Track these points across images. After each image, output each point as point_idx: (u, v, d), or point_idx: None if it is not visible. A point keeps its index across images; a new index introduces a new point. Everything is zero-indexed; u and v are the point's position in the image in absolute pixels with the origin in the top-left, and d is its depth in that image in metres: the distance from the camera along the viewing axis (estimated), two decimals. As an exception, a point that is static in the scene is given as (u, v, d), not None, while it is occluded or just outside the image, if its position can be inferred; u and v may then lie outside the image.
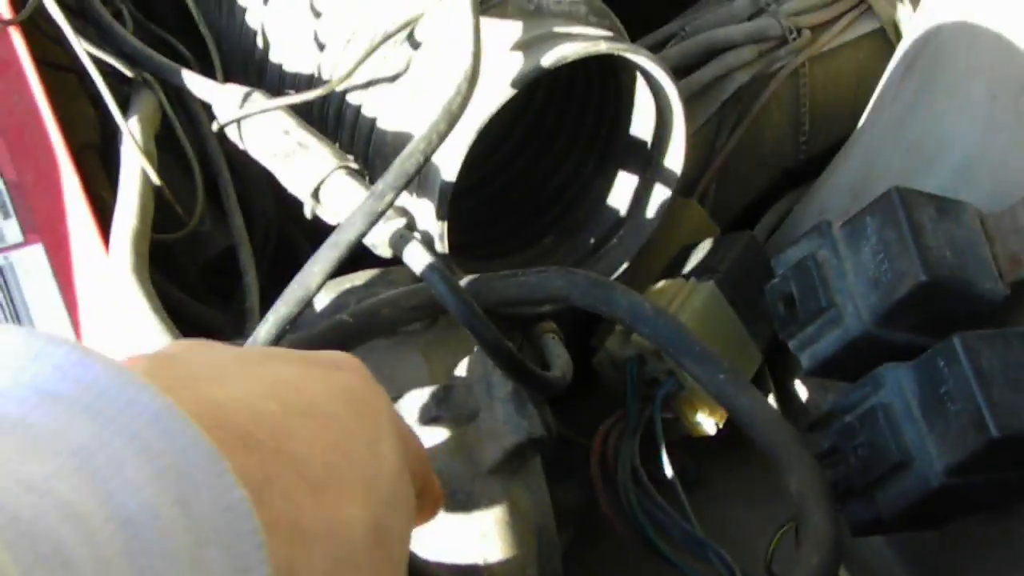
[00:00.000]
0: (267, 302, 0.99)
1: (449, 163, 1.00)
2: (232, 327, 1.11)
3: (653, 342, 0.96)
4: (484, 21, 1.02)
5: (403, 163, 0.90)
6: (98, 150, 1.13)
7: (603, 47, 1.02)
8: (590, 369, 1.22)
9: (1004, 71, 0.99)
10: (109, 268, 0.91)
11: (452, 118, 0.93)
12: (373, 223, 0.89)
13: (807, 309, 0.95)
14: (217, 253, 1.15)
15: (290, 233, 1.26)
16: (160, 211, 1.01)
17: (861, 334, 0.93)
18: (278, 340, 0.87)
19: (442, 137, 0.92)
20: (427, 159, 0.92)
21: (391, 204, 0.89)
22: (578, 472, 1.20)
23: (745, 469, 1.22)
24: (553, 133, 1.22)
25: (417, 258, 0.91)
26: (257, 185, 1.20)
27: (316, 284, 0.88)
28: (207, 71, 1.14)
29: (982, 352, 0.87)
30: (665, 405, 1.16)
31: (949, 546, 1.03)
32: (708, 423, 1.16)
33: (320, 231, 0.99)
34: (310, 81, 1.11)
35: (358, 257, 0.96)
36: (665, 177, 1.14)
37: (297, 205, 1.00)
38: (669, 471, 1.11)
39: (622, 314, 0.97)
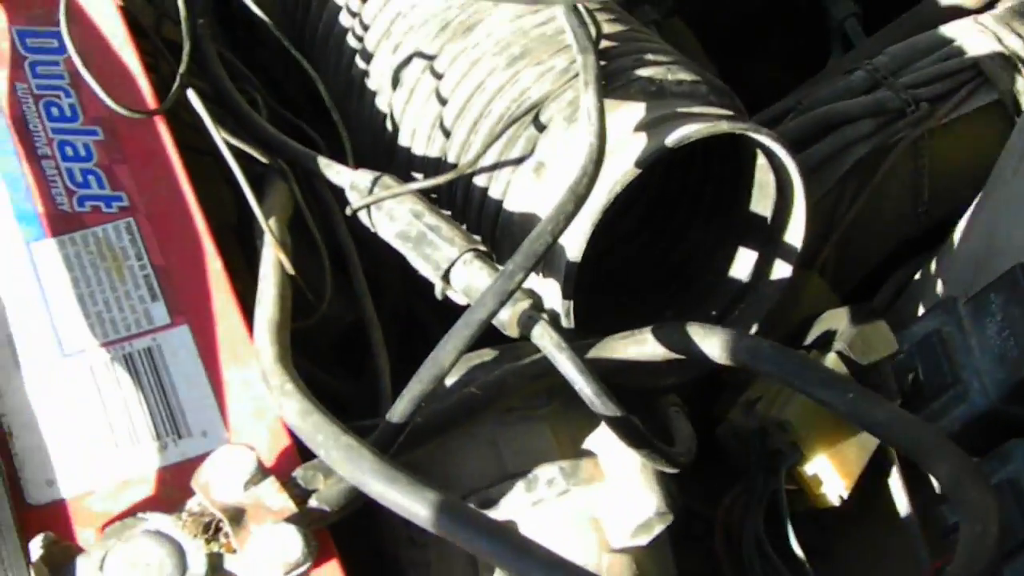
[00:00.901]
0: (397, 379, 1.02)
1: (574, 243, 1.02)
2: (363, 401, 1.14)
3: (777, 378, 0.96)
4: (608, 102, 1.05)
5: (532, 244, 0.93)
6: (235, 230, 1.17)
7: (724, 127, 1.04)
8: (713, 440, 1.23)
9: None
10: (253, 354, 0.94)
11: (578, 199, 0.96)
12: (503, 302, 0.92)
13: (932, 385, 0.96)
14: (345, 329, 1.18)
15: (418, 310, 1.30)
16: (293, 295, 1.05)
17: (987, 409, 0.94)
18: (413, 416, 0.90)
19: (569, 218, 0.95)
20: (555, 239, 0.94)
21: (520, 284, 0.92)
22: (702, 543, 1.22)
23: (870, 541, 1.22)
24: (673, 208, 1.24)
25: (545, 338, 0.94)
26: (386, 264, 1.23)
27: (450, 362, 0.90)
28: (337, 155, 1.18)
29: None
30: (790, 477, 1.17)
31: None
32: (832, 493, 1.17)
33: (448, 309, 1.02)
34: (437, 164, 1.14)
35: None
36: (786, 251, 1.15)
37: (426, 285, 1.03)
38: (795, 543, 1.12)
39: (743, 357, 0.98)
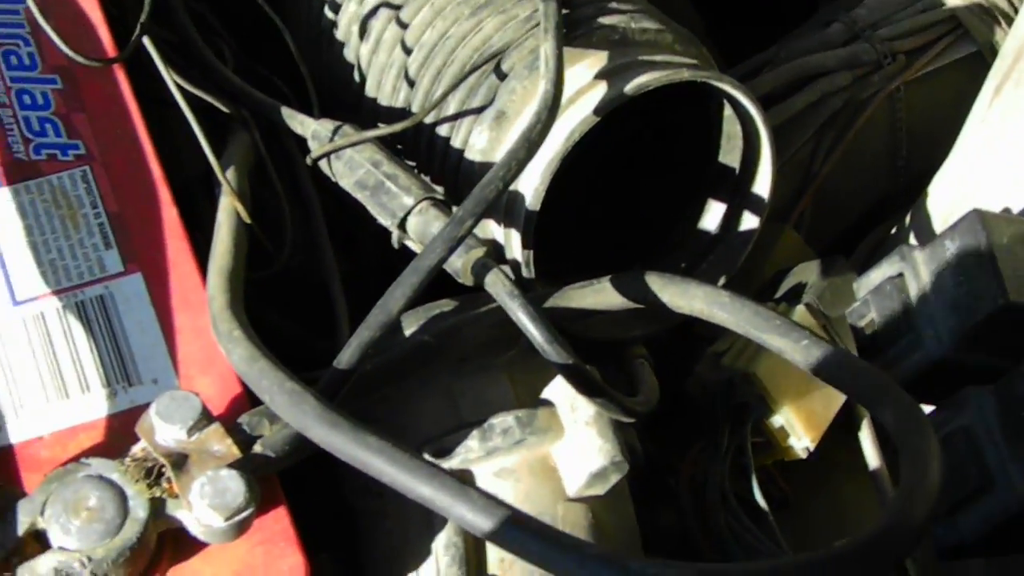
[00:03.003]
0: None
1: (533, 191, 1.01)
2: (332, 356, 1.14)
3: (733, 326, 0.95)
4: (569, 51, 1.05)
5: (482, 190, 0.92)
6: (203, 181, 1.16)
7: (686, 75, 1.03)
8: (684, 391, 1.23)
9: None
10: (205, 303, 0.94)
11: (532, 145, 0.95)
12: (453, 249, 0.91)
13: (887, 333, 0.96)
14: (315, 282, 1.18)
15: (395, 269, 1.29)
16: (255, 245, 1.04)
17: (941, 357, 0.93)
18: (361, 363, 0.89)
19: (521, 164, 0.94)
20: (507, 186, 0.94)
21: (470, 230, 0.92)
22: (673, 495, 1.21)
23: (835, 493, 1.22)
24: (643, 160, 1.23)
25: (498, 286, 0.93)
26: (364, 218, 1.22)
27: (398, 308, 0.90)
28: (306, 107, 1.18)
29: (1063, 375, 0.87)
30: (756, 430, 1.16)
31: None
32: (799, 446, 1.16)
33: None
34: (402, 114, 1.14)
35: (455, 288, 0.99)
36: (754, 203, 1.15)
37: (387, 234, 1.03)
38: (759, 495, 1.12)
39: (700, 304, 0.97)
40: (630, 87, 1.01)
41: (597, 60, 1.06)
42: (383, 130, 1.04)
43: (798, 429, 1.15)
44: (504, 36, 1.09)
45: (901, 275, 0.96)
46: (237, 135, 1.12)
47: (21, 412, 0.91)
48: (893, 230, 1.33)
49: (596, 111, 1.01)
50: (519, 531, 0.75)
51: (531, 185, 1.01)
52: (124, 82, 1.06)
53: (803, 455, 1.16)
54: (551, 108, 0.96)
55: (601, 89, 1.03)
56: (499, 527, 0.76)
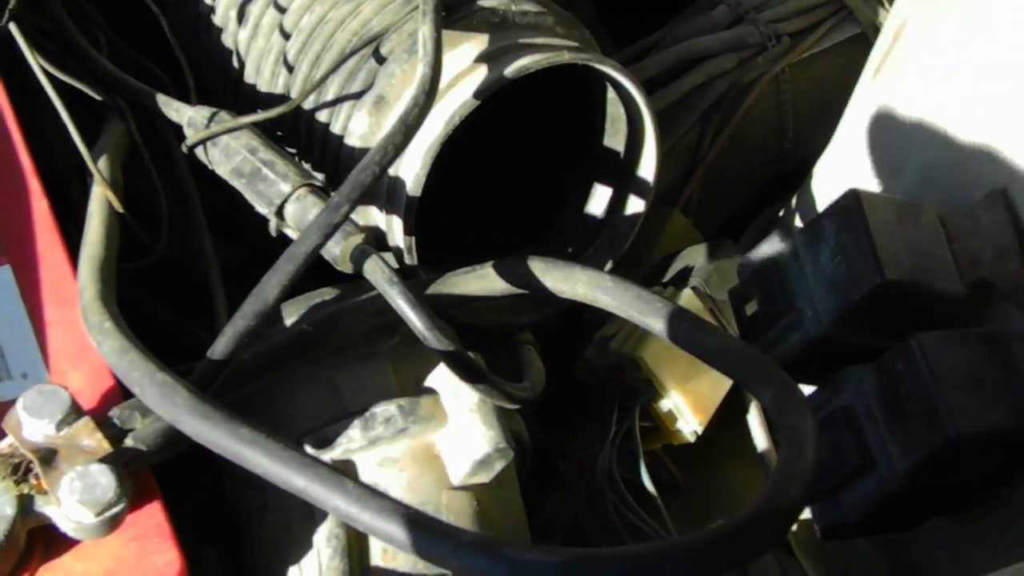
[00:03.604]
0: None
1: (414, 177, 1.00)
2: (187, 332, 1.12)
3: (617, 311, 0.94)
4: (448, 34, 1.03)
5: (358, 175, 0.91)
6: (80, 173, 1.14)
7: (566, 57, 1.03)
8: (574, 375, 1.22)
9: (962, 74, 0.99)
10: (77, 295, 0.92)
11: (409, 130, 0.94)
12: (329, 235, 0.90)
13: (768, 313, 0.95)
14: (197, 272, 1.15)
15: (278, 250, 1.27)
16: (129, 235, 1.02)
17: (821, 337, 0.93)
18: (235, 353, 0.88)
19: (399, 149, 0.93)
20: (383, 171, 0.92)
21: (347, 216, 0.90)
22: (565, 481, 1.21)
23: (724, 476, 1.22)
24: (527, 144, 1.22)
25: (376, 273, 0.92)
26: (245, 206, 1.20)
27: (273, 297, 0.88)
28: (184, 94, 1.15)
29: (940, 353, 0.88)
30: (645, 414, 1.16)
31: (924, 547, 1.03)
32: (687, 430, 1.16)
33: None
34: (281, 100, 1.12)
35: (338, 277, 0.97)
36: (639, 187, 1.14)
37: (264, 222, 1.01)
38: (646, 478, 1.12)
39: (583, 289, 0.96)
40: (510, 70, 1.01)
41: (477, 43, 1.05)
42: (259, 116, 1.02)
43: (686, 413, 1.15)
44: (383, 19, 1.07)
45: (781, 256, 0.95)
46: (111, 123, 1.09)
47: None
48: (780, 212, 1.34)
49: (476, 94, 1.00)
50: (394, 521, 0.74)
51: (412, 171, 1.00)
52: (-10, 71, 1.03)
53: (691, 439, 1.17)
54: (429, 92, 0.95)
55: (481, 72, 1.02)
56: (375, 518, 0.74)
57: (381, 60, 1.05)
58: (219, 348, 0.87)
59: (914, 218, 0.93)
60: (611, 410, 1.14)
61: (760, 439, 1.16)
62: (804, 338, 0.93)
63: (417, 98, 0.95)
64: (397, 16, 1.07)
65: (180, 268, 1.13)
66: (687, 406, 1.15)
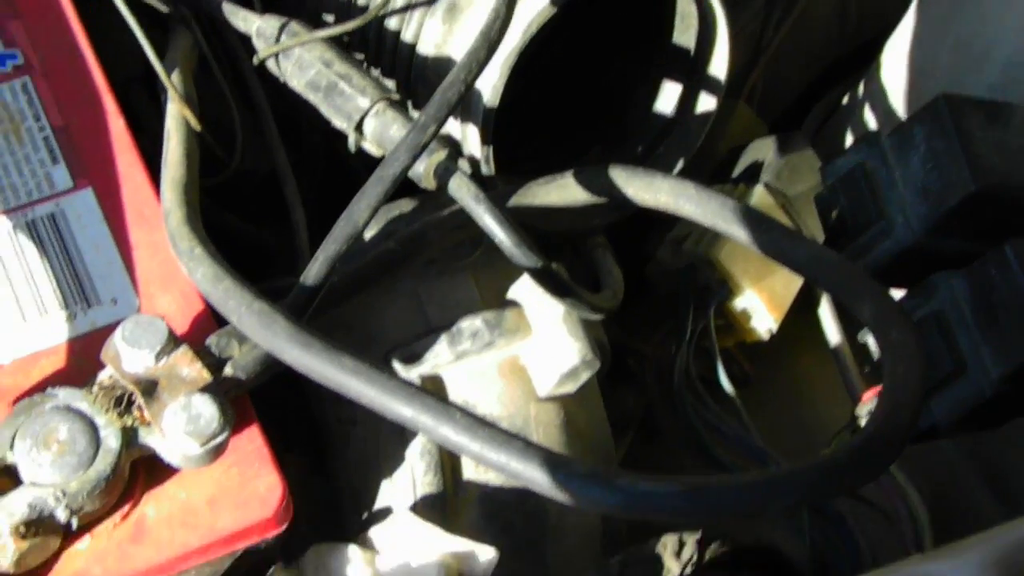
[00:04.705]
0: (321, 228, 0.99)
1: (491, 88, 0.99)
2: (287, 254, 1.12)
3: (700, 219, 0.94)
4: (518, -62, 1.01)
5: (444, 93, 0.90)
6: (143, 80, 1.12)
7: (641, -44, 1.00)
8: (645, 276, 1.22)
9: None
10: (161, 217, 0.91)
11: (491, 44, 0.92)
12: (417, 156, 0.89)
13: (857, 220, 0.95)
14: (264, 178, 1.14)
15: (343, 159, 1.26)
16: (205, 150, 1.01)
17: (912, 244, 0.92)
18: (328, 277, 0.87)
19: (482, 64, 0.92)
20: (469, 88, 0.91)
21: (434, 136, 0.89)
22: (635, 378, 1.21)
23: (795, 369, 1.22)
24: (593, 42, 1.20)
25: (462, 190, 0.91)
26: (307, 111, 1.18)
27: (364, 220, 0.88)
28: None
29: (1034, 259, 0.87)
30: (718, 313, 1.16)
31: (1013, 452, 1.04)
32: (762, 327, 1.16)
33: (372, 157, 0.99)
34: (348, 7, 1.10)
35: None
36: (711, 84, 1.13)
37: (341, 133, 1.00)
38: (724, 378, 1.12)
39: (665, 197, 0.95)
40: (586, -28, 0.99)
41: (550, -54, 1.03)
42: (334, 29, 1.00)
43: (761, 310, 1.15)
44: (452, -76, 1.05)
45: (868, 162, 0.94)
46: (178, 35, 1.07)
47: (-22, 340, 0.89)
48: (845, 100, 1.32)
49: (553, 1, 0.98)
50: (504, 450, 0.74)
51: (489, 81, 0.99)
52: (58, -18, 1.01)
53: (766, 336, 1.17)
54: (508, 3, 0.93)
55: (556, -23, 1.00)
56: (485, 447, 0.74)
57: (452, -34, 1.03)
58: (312, 273, 0.87)
59: (1005, 120, 0.92)
60: (686, 310, 1.14)
61: (832, 333, 1.16)
62: (895, 246, 0.93)
63: (498, 10, 0.93)
64: (466, -80, 1.04)
65: (251, 179, 1.12)
66: (762, 304, 1.15)
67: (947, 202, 0.90)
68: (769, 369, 1.22)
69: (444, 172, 0.92)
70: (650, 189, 0.97)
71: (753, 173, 1.20)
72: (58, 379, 0.86)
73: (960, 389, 0.90)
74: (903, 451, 0.73)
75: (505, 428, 0.74)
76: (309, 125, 1.20)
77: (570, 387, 0.99)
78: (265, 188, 1.14)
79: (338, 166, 1.25)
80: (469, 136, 1.02)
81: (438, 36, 1.03)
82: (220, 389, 0.83)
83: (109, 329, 0.86)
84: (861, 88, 1.27)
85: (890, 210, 0.93)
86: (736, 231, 0.91)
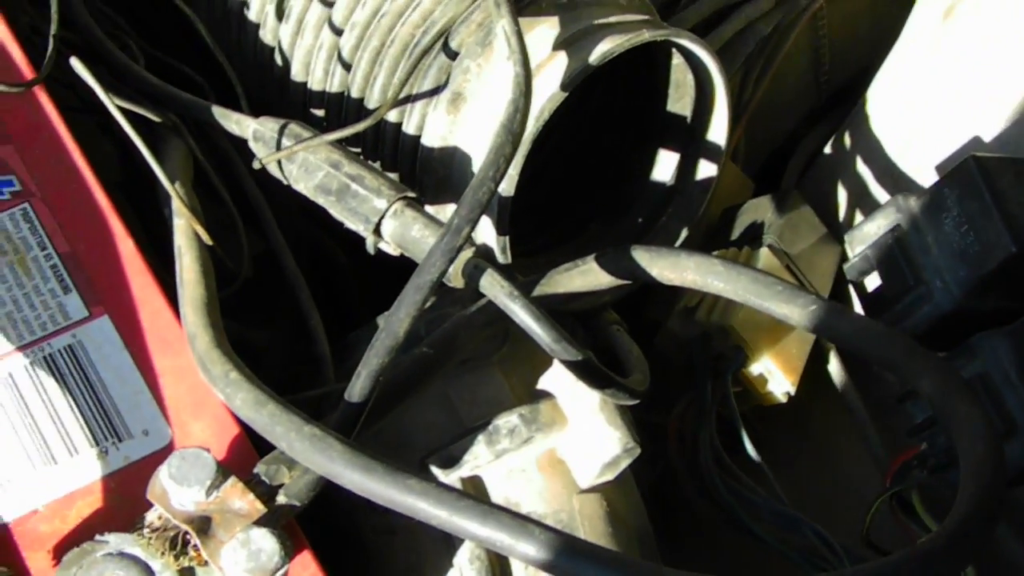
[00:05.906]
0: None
1: (508, 178, 0.97)
2: (280, 347, 1.09)
3: (731, 295, 0.92)
4: (521, 22, 0.99)
5: (475, 193, 0.87)
6: (120, 187, 1.09)
7: (647, 36, 0.99)
8: (651, 346, 1.20)
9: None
10: (185, 340, 0.87)
11: (515, 137, 0.90)
12: (452, 259, 0.86)
13: (893, 287, 0.94)
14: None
15: (320, 241, 1.23)
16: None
17: (953, 308, 0.92)
18: (373, 391, 0.85)
19: (509, 159, 0.89)
20: (498, 184, 0.89)
21: (468, 238, 0.87)
22: (647, 448, 1.20)
23: (809, 436, 1.21)
24: (587, 117, 1.19)
25: (495, 288, 0.89)
26: (283, 200, 1.15)
27: (404, 330, 0.85)
28: (223, 97, 1.10)
29: (1078, 315, 0.87)
30: (734, 380, 1.15)
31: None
32: (779, 391, 1.15)
33: (354, 238, 0.97)
34: (340, 100, 1.07)
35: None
36: (710, 150, 1.12)
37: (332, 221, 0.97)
38: (751, 449, 1.11)
39: (692, 275, 0.93)
40: (594, 57, 0.97)
41: (551, 28, 1.01)
42: (343, 131, 0.96)
43: (777, 374, 1.14)
44: (446, 11, 1.03)
45: (899, 226, 0.94)
46: (169, 143, 1.04)
47: (9, 487, 0.85)
48: (828, 148, 1.31)
49: (563, 86, 0.96)
50: (587, 562, 0.72)
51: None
52: (48, 103, 0.98)
53: (783, 399, 1.16)
54: (526, 93, 0.91)
55: (562, 61, 0.98)
56: (567, 561, 0.72)
57: (452, 55, 1.01)
58: (357, 389, 0.84)
59: (1033, 176, 0.92)
60: (704, 381, 1.13)
61: (846, 390, 1.16)
62: (936, 310, 0.92)
63: (516, 102, 0.91)
64: (461, 6, 1.02)
65: (255, 287, 1.09)
66: (778, 368, 1.14)
67: (987, 265, 0.89)
68: (780, 429, 1.21)
69: (474, 271, 0.90)
70: (676, 268, 0.95)
71: (754, 235, 1.19)
72: (98, 520, 0.83)
73: (1010, 450, 0.90)
74: (996, 529, 0.72)
75: (551, 525, 0.72)
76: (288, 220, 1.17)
77: (610, 476, 0.97)
78: (271, 295, 1.11)
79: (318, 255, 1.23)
80: (483, 226, 1.00)
81: (443, 128, 1.01)
82: (276, 520, 0.80)
83: (144, 463, 0.84)
84: (847, 136, 1.26)
85: (927, 275, 0.92)
86: (772, 306, 0.90)
